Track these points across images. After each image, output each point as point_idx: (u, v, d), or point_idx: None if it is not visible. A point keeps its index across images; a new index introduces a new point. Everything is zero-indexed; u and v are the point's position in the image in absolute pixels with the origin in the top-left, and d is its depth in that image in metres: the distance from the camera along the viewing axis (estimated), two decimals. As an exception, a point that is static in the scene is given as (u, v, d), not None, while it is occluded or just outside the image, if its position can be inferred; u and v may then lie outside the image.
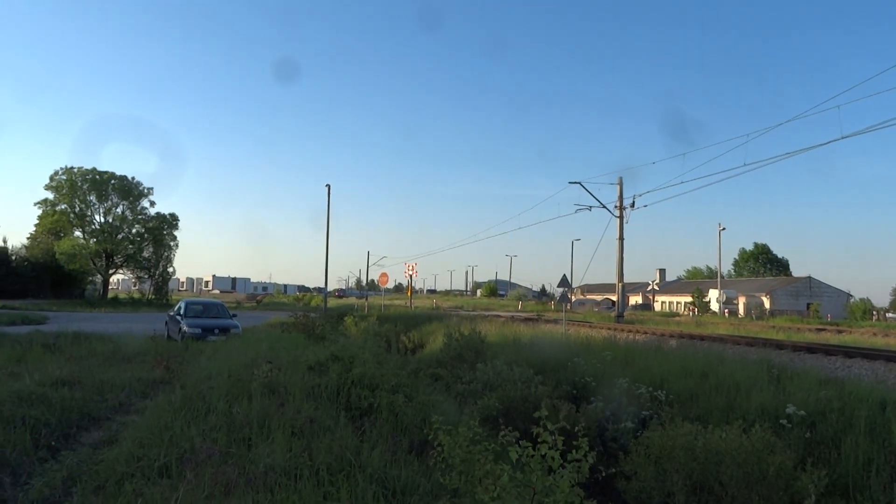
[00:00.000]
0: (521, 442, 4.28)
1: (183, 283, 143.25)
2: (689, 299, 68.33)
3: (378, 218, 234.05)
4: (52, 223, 54.15)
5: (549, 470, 4.07)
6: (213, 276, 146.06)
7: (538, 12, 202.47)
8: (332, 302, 59.35)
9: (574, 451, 4.20)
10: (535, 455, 4.09)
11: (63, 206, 55.08)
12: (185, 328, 19.73)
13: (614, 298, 43.21)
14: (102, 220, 56.87)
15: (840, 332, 26.73)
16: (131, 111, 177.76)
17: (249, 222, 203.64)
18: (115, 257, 57.04)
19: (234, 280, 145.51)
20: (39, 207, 55.96)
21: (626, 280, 34.98)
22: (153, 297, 58.71)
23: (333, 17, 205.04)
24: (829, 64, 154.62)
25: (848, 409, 7.79)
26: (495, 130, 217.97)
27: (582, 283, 61.78)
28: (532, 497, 3.93)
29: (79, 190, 55.03)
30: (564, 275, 23.10)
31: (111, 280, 63.56)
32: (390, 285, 58.15)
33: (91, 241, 54.93)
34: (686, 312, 63.49)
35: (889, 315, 60.85)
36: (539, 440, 4.19)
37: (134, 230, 58.15)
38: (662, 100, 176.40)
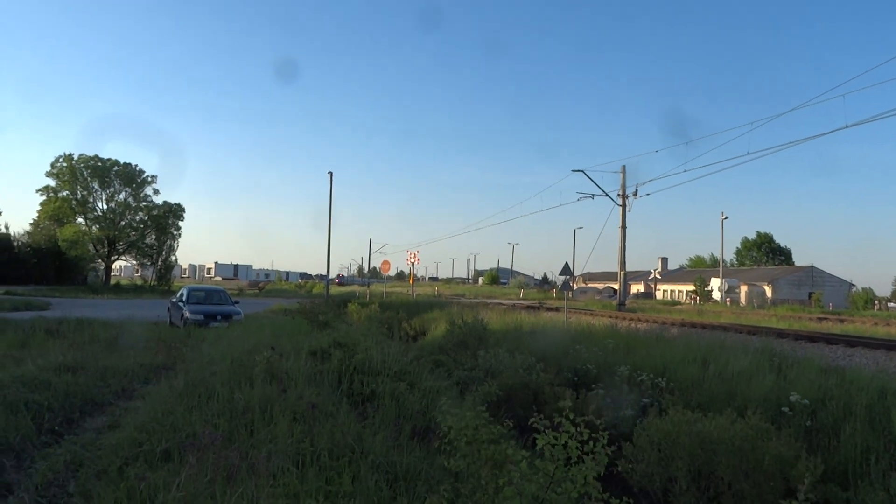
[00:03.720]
0: (547, 431, 4.23)
1: (185, 269, 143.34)
2: (691, 288, 68.28)
3: (380, 206, 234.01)
4: (54, 210, 54.15)
5: (568, 459, 4.06)
6: (216, 262, 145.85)
7: (540, 5, 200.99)
8: (333, 289, 59.42)
9: (591, 444, 4.17)
10: (556, 443, 4.07)
11: (65, 193, 55.10)
12: (187, 315, 19.77)
13: (616, 287, 43.20)
14: (105, 206, 56.96)
15: (842, 321, 26.74)
16: (134, 102, 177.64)
17: (252, 210, 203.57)
18: (117, 244, 57.13)
19: (236, 267, 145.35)
20: (41, 194, 56.04)
21: (627, 268, 34.95)
22: (155, 283, 58.80)
23: (335, 10, 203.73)
24: (834, 55, 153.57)
25: (847, 398, 7.80)
26: (498, 119, 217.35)
27: (584, 272, 61.77)
28: (548, 485, 3.93)
29: (80, 176, 55.06)
30: (566, 263, 23.09)
31: (113, 266, 63.67)
32: (392, 273, 58.19)
33: (93, 228, 55.05)
34: (688, 301, 63.49)
35: (891, 305, 60.80)
36: (561, 430, 4.17)
37: (137, 217, 58.21)
38: (666, 91, 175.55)
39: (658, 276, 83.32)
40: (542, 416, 4.53)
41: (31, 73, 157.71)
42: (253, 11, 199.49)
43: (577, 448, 4.07)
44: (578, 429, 4.15)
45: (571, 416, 4.21)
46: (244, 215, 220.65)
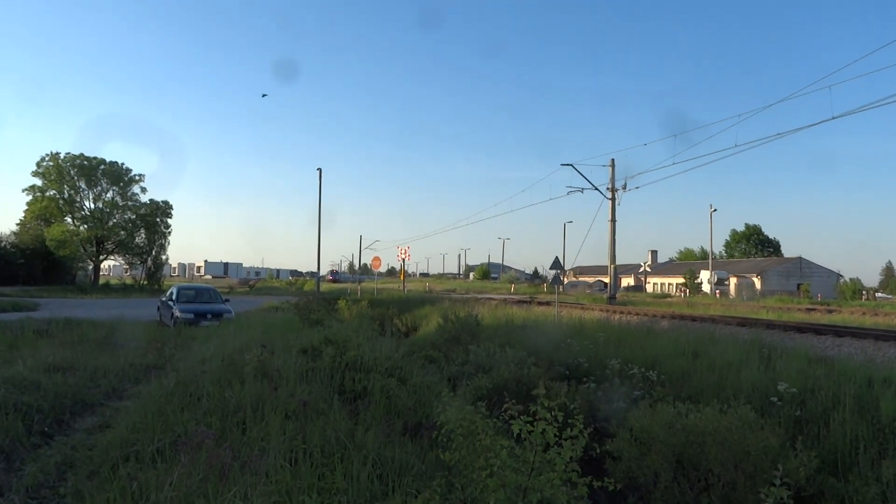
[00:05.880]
0: (522, 417, 4.29)
1: (175, 268, 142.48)
2: (681, 280, 68.55)
3: (371, 202, 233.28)
4: (41, 209, 53.53)
5: (546, 446, 4.10)
6: (205, 261, 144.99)
7: (533, 5, 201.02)
8: (325, 286, 59.28)
9: (570, 430, 4.22)
10: (534, 430, 4.11)
11: (52, 192, 54.50)
12: (177, 313, 19.68)
13: (606, 280, 43.34)
14: (93, 206, 56.37)
15: (830, 311, 26.97)
16: (127, 101, 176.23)
17: (242, 208, 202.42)
18: (105, 243, 56.60)
19: (226, 265, 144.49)
20: (28, 194, 55.39)
21: (618, 262, 35.06)
22: (145, 282, 58.38)
23: (333, 8, 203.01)
24: (820, 47, 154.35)
25: (835, 387, 7.88)
26: (489, 114, 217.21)
27: (574, 266, 61.95)
28: (530, 472, 3.96)
29: (66, 175, 54.44)
30: (557, 257, 23.14)
31: (102, 266, 63.19)
32: (383, 269, 58.12)
33: (81, 228, 54.50)
34: (678, 293, 63.77)
35: (878, 295, 61.44)
36: (537, 418, 4.21)
37: (126, 216, 57.71)
38: (657, 85, 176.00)
39: (648, 269, 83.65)
40: (522, 405, 4.55)
41: (22, 72, 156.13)
42: (251, 10, 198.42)
43: (554, 435, 4.11)
44: (553, 413, 4.19)
45: (546, 404, 4.25)
46: (234, 213, 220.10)
